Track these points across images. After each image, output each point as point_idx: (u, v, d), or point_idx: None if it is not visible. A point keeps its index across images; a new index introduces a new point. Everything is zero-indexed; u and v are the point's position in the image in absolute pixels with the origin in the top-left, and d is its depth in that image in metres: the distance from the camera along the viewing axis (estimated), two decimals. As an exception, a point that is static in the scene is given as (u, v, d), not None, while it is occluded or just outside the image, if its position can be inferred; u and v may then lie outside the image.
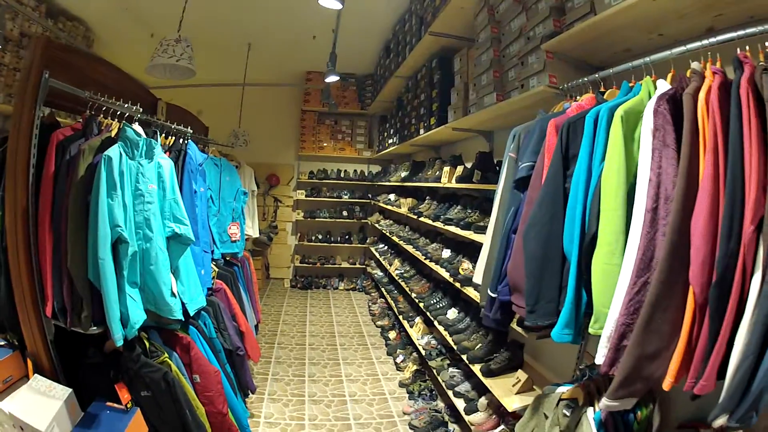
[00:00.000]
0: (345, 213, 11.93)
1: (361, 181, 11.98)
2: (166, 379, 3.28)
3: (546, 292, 2.45)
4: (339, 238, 11.96)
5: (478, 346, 4.82)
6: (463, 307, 5.72)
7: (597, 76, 2.88)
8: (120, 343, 2.96)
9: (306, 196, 11.75)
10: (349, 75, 11.45)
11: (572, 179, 2.41)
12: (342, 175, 11.93)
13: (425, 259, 6.43)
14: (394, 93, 9.28)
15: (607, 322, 2.09)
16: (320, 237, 11.86)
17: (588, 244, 2.25)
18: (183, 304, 3.56)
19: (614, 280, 2.10)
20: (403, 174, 8.88)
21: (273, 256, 12.00)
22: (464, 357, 4.86)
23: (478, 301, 3.58)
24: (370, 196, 11.85)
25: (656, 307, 1.90)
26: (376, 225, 10.56)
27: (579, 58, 3.44)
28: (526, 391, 4.05)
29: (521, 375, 4.13)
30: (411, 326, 7.21)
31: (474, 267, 4.59)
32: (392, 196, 9.56)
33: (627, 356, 1.97)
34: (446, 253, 6.06)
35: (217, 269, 4.95)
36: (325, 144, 11.87)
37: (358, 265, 12.07)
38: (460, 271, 5.11)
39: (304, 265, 11.83)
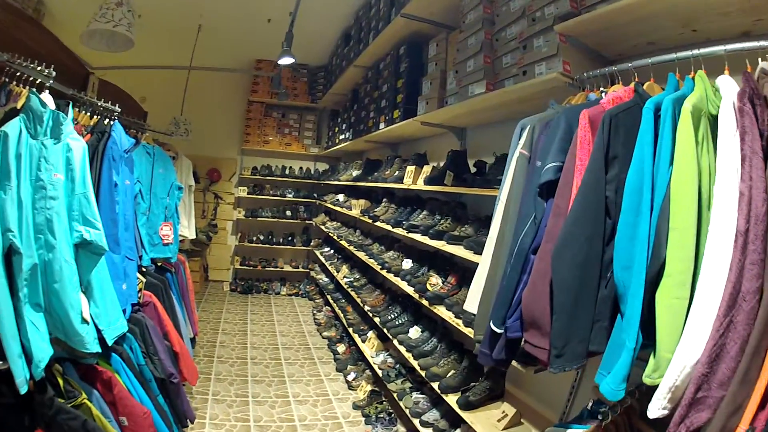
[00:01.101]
0: (288, 213, 11.40)
1: (307, 180, 11.49)
2: (86, 429, 2.76)
3: (578, 330, 2.09)
4: (281, 240, 11.36)
5: (450, 374, 4.33)
6: (427, 326, 5.19)
7: (630, 65, 2.51)
8: (24, 389, 2.31)
9: (248, 193, 11.15)
10: (301, 66, 10.95)
11: (625, 187, 2.04)
12: (287, 172, 11.43)
13: (381, 269, 5.84)
14: (349, 84, 8.74)
15: (670, 370, 1.76)
16: (262, 238, 11.24)
17: (657, 272, 1.86)
18: (99, 330, 2.96)
19: (681, 319, 1.78)
20: (355, 173, 8.32)
21: (212, 257, 11.30)
22: (435, 386, 4.33)
23: (472, 335, 2.99)
24: (315, 195, 11.33)
25: (755, 354, 1.59)
26: (322, 227, 10.01)
27: (593, 47, 3.13)
28: (514, 426, 3.69)
29: (508, 408, 3.75)
30: (363, 341, 6.62)
31: (444, 281, 4.55)
32: (341, 197, 9.00)
33: (719, 414, 1.63)
34: (407, 264, 5.52)
35: (144, 279, 4.36)
36: (270, 138, 11.32)
37: (301, 269, 11.49)
38: (429, 286, 4.62)
39: (245, 267, 11.16)
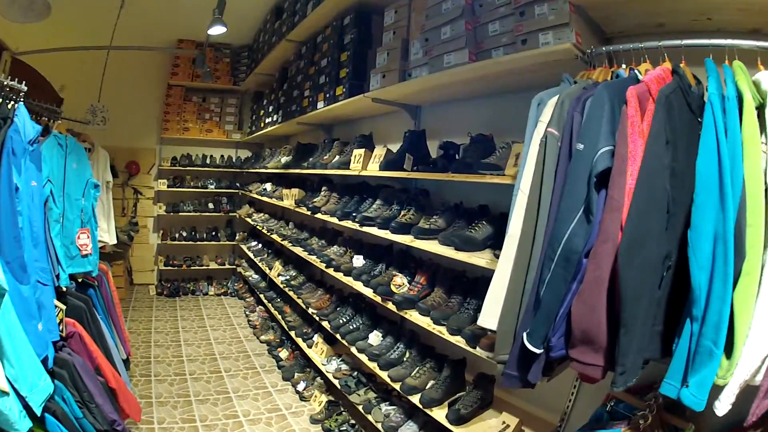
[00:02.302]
0: (211, 205, 10.68)
1: (229, 168, 10.87)
2: None
3: (642, 340, 1.96)
4: (205, 235, 10.62)
5: (430, 384, 3.86)
6: (388, 330, 4.65)
7: (660, 44, 2.37)
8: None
9: (168, 186, 10.32)
10: (224, 45, 10.32)
11: (699, 180, 1.88)
12: (208, 161, 10.72)
13: (327, 267, 5.21)
14: (277, 63, 8.07)
15: (742, 366, 1.76)
16: (185, 234, 10.48)
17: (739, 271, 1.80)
18: (22, 398, 2.42)
19: (749, 316, 1.77)
20: (285, 159, 7.60)
21: (135, 259, 10.52)
22: (414, 400, 3.83)
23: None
24: (238, 185, 10.80)
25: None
26: (248, 219, 9.43)
27: (596, 20, 2.96)
28: (518, 437, 3.35)
29: (509, 419, 3.42)
30: (309, 346, 6.01)
31: (412, 281, 4.12)
32: (268, 186, 8.40)
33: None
34: (358, 261, 4.94)
35: (64, 306, 3.61)
36: (190, 125, 10.56)
37: (227, 266, 10.81)
38: (393, 288, 4.12)
39: (169, 268, 10.37)
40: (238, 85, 10.45)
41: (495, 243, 3.29)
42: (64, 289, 3.83)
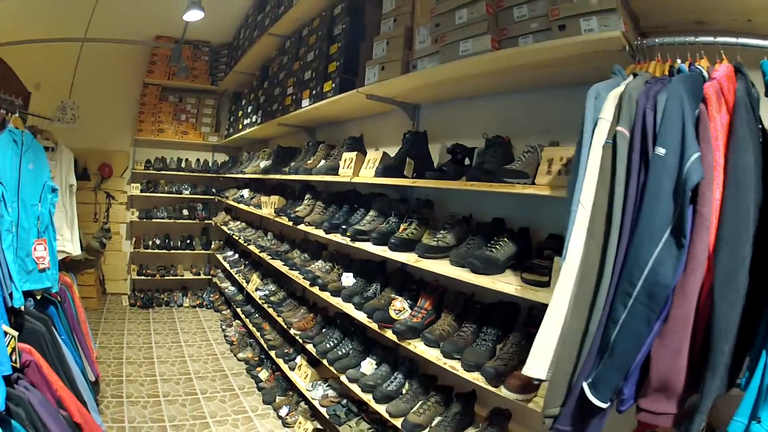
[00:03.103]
0: (186, 212, 10.23)
1: (205, 173, 10.46)
2: None
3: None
4: (180, 243, 10.22)
5: (437, 421, 3.39)
6: (383, 357, 4.14)
7: (715, 40, 2.11)
8: None
9: (141, 191, 9.91)
10: (203, 43, 9.90)
11: None
12: (183, 165, 10.30)
13: (312, 285, 4.72)
14: (258, 60, 7.62)
15: None
16: (158, 242, 10.06)
17: None
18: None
19: None
20: (264, 164, 7.05)
21: (108, 267, 10.00)
22: None
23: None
24: (214, 191, 10.37)
25: None
26: (224, 228, 8.99)
27: (636, 12, 2.65)
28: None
29: None
30: (292, 368, 5.47)
31: (414, 306, 3.60)
32: (246, 193, 8.02)
33: None
34: (348, 279, 4.44)
35: (16, 333, 3.27)
36: (165, 126, 10.13)
37: (203, 276, 10.38)
38: (393, 313, 3.61)
39: (142, 277, 9.90)
40: (216, 84, 10.03)
41: (517, 264, 2.92)
42: (20, 309, 3.51)
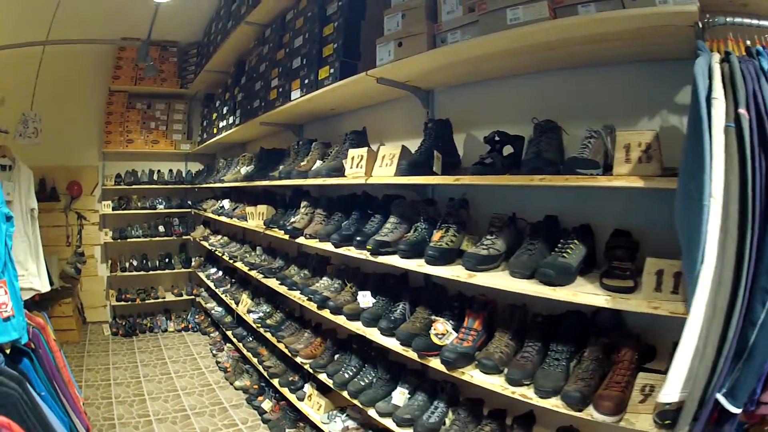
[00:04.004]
0: (162, 228, 9.58)
1: (179, 185, 9.88)
2: None
3: None
4: (158, 263, 9.52)
5: None
6: (416, 383, 3.55)
7: None
8: None
9: (113, 208, 9.22)
10: (171, 43, 9.27)
11: None
12: (155, 177, 9.62)
13: (321, 308, 4.08)
14: (233, 54, 7.01)
15: None
16: (135, 263, 9.34)
17: None
18: None
19: None
20: (245, 169, 6.36)
21: (86, 294, 9.31)
22: None
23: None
24: (190, 203, 9.75)
25: None
26: (204, 243, 8.37)
27: None
28: None
29: None
30: (300, 398, 4.80)
31: (461, 327, 3.00)
32: (226, 203, 7.39)
33: None
34: (366, 299, 3.78)
35: None
36: (134, 136, 9.47)
37: (185, 296, 9.70)
38: (435, 338, 3.00)
39: (122, 303, 9.20)
40: (186, 87, 9.41)
41: (586, 269, 2.58)
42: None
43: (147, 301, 9.32)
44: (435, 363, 2.93)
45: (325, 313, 3.99)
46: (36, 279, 4.57)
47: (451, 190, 3.47)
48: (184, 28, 8.70)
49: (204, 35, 8.53)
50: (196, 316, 9.24)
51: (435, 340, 2.96)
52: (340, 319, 3.81)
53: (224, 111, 7.24)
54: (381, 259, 3.28)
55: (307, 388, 4.77)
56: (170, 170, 9.86)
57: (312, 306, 4.18)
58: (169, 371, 7.20)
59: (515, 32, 2.57)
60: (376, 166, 3.48)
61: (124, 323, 8.97)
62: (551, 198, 2.96)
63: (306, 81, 4.38)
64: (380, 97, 4.23)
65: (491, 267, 2.76)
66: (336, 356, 4.34)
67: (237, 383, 6.42)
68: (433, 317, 3.17)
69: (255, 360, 5.98)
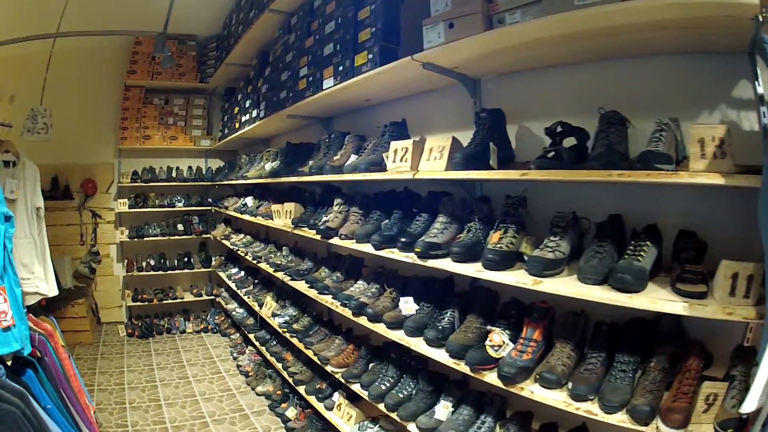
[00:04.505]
0: (180, 227, 9.38)
1: (199, 182, 9.61)
2: None
3: None
4: (176, 262, 9.33)
5: None
6: (460, 396, 3.26)
7: None
8: None
9: (129, 206, 9.00)
10: (188, 36, 9.04)
11: None
12: (174, 174, 9.48)
13: (358, 315, 3.77)
14: (255, 46, 6.69)
15: None
16: (153, 263, 9.15)
17: None
18: None
19: None
20: (270, 165, 6.03)
21: (101, 294, 9.14)
22: None
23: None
24: (210, 201, 9.50)
25: None
26: (225, 242, 8.13)
27: None
28: None
29: None
30: (329, 408, 4.53)
31: (519, 338, 2.73)
32: (249, 201, 7.07)
33: None
34: (409, 306, 3.48)
35: None
36: (151, 132, 9.22)
37: (205, 296, 9.50)
38: (491, 350, 2.73)
39: (139, 303, 9.02)
40: (205, 82, 9.15)
41: (655, 270, 2.35)
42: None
43: (164, 302, 9.14)
44: (490, 377, 2.66)
45: (362, 320, 3.70)
46: (42, 283, 4.40)
47: (502, 187, 3.17)
48: (203, 21, 8.48)
49: (224, 27, 8.28)
50: (216, 317, 9.05)
51: (491, 352, 2.69)
52: (379, 327, 3.52)
53: (247, 104, 6.97)
54: (431, 262, 2.97)
55: (337, 396, 4.51)
56: (189, 167, 9.65)
57: (346, 312, 3.89)
58: (186, 375, 6.97)
59: (584, 13, 2.32)
60: (422, 160, 3.17)
61: (140, 324, 8.81)
62: (609, 195, 2.77)
63: (340, 68, 4.08)
64: (420, 86, 3.95)
65: (557, 272, 2.50)
66: (371, 365, 4.07)
67: (259, 388, 6.18)
68: (489, 327, 2.87)
69: (279, 365, 5.71)
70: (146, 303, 8.97)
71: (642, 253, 2.31)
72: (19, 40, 6.56)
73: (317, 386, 4.82)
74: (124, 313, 9.29)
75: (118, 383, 6.57)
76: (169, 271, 9.15)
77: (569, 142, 2.65)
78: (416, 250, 3.00)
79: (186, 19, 7.56)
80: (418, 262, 3.03)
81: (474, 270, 2.73)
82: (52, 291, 4.49)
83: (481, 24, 2.77)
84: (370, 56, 3.70)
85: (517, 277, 2.52)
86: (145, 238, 9.00)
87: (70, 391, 4.00)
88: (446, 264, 2.89)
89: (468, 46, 2.86)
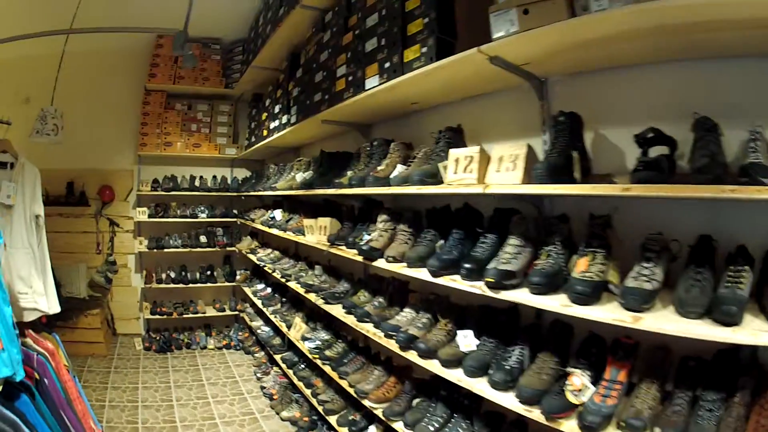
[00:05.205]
0: (203, 239, 9.03)
1: (224, 192, 9.23)
2: None
3: None
4: (198, 275, 8.94)
5: None
6: None
7: None
8: None
9: (149, 216, 8.67)
10: (213, 40, 8.78)
11: None
12: (197, 183, 9.12)
13: (406, 349, 3.31)
14: (285, 48, 6.33)
15: None
16: (173, 275, 8.80)
17: None
18: None
19: None
20: (302, 176, 5.54)
21: (117, 305, 8.83)
22: None
23: None
24: (236, 212, 9.19)
25: None
26: (251, 257, 7.73)
27: None
28: None
29: None
30: None
31: (600, 379, 2.34)
32: (278, 214, 6.67)
33: None
34: (468, 341, 3.02)
35: None
36: (173, 138, 8.90)
37: (228, 312, 9.08)
38: (572, 396, 2.33)
39: (157, 317, 8.67)
40: (230, 87, 8.83)
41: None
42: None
43: (185, 316, 8.78)
44: (568, 426, 2.30)
45: (411, 355, 3.24)
46: (42, 298, 4.10)
47: (573, 204, 2.82)
48: (228, 25, 8.25)
49: (250, 30, 7.98)
50: (240, 333, 8.71)
51: (570, 398, 2.31)
52: (432, 365, 3.06)
53: (276, 110, 6.58)
54: (504, 294, 2.52)
55: (373, 430, 4.13)
56: (214, 176, 9.34)
57: (390, 344, 3.44)
58: (206, 395, 6.61)
59: (695, 3, 1.97)
60: (491, 171, 2.71)
61: (158, 338, 8.51)
62: (696, 213, 2.42)
63: (386, 65, 3.64)
64: (477, 87, 3.51)
65: (653, 305, 2.14)
66: (415, 401, 3.65)
67: (284, 413, 5.77)
68: (569, 369, 2.46)
69: (308, 392, 5.27)
70: (165, 316, 8.66)
71: (742, 279, 2.04)
72: (32, 36, 6.38)
73: (350, 418, 4.42)
74: (142, 325, 8.97)
75: (131, 400, 6.26)
76: (191, 284, 8.78)
77: (655, 151, 2.31)
78: (488, 279, 2.54)
79: (210, 22, 7.35)
80: (489, 293, 2.57)
81: (559, 305, 2.29)
82: (53, 308, 4.19)
83: (564, 9, 2.35)
84: (424, 50, 3.25)
85: (613, 314, 2.10)
86: (166, 250, 8.69)
87: (73, 416, 3.80)
88: (522, 296, 2.45)
89: (548, 35, 2.42)
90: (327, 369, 4.65)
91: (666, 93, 2.62)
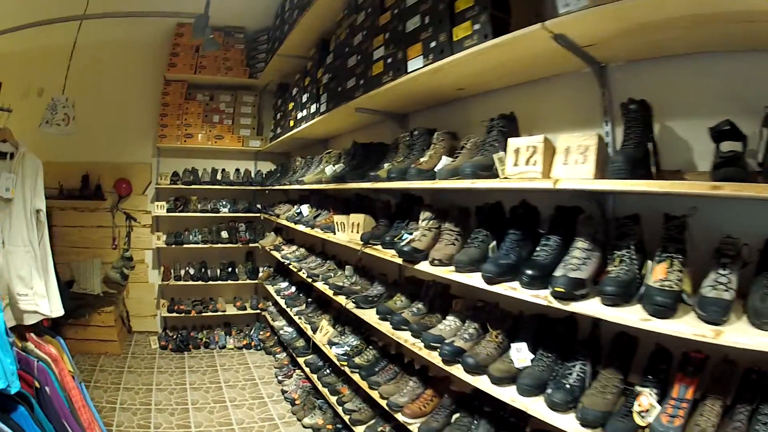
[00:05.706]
0: (225, 234, 8.71)
1: (247, 186, 8.94)
2: None
3: None
4: (219, 272, 8.68)
5: None
6: None
7: None
8: None
9: (168, 210, 8.45)
10: (237, 29, 8.54)
11: None
12: (219, 177, 8.81)
13: (450, 363, 3.01)
14: (313, 33, 5.98)
15: None
16: (192, 272, 8.56)
17: None
18: None
19: None
20: (332, 169, 5.24)
21: (132, 301, 8.64)
22: None
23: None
24: (259, 207, 8.91)
25: None
26: (276, 254, 7.48)
27: None
28: None
29: None
30: None
31: (668, 398, 2.10)
32: (305, 209, 6.37)
33: None
34: (522, 355, 2.72)
35: None
36: (194, 130, 8.63)
37: (250, 310, 8.77)
38: (639, 418, 2.13)
39: (175, 315, 8.38)
40: (255, 77, 8.57)
41: None
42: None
43: (204, 314, 8.54)
44: None
45: (456, 370, 2.91)
46: (43, 300, 3.89)
47: (635, 202, 2.57)
48: (252, 13, 8.04)
49: (275, 17, 7.61)
50: (261, 332, 8.47)
51: (637, 419, 2.13)
52: (479, 382, 2.75)
53: (303, 99, 6.27)
54: (574, 306, 2.20)
55: None
56: (237, 169, 9.09)
57: (432, 357, 3.12)
58: (223, 398, 6.36)
59: None
60: (557, 164, 2.39)
61: (175, 336, 8.29)
62: (757, 215, 2.22)
63: (432, 44, 3.30)
64: (532, 71, 3.20)
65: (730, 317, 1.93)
66: (454, 416, 3.38)
67: (306, 420, 5.50)
68: (637, 387, 2.23)
69: (333, 399, 4.98)
70: (183, 314, 8.42)
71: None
72: (45, 23, 6.40)
73: (379, 429, 4.15)
74: (159, 323, 8.81)
75: (143, 402, 6.06)
76: (210, 282, 8.57)
77: (725, 147, 2.05)
78: (557, 289, 2.21)
79: (234, 10, 7.25)
80: (555, 304, 2.25)
81: (638, 318, 2.00)
82: (56, 311, 3.95)
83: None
84: (476, 26, 2.92)
85: (694, 328, 1.88)
86: (185, 245, 8.46)
87: (77, 426, 3.65)
88: (595, 308, 2.15)
89: (626, 9, 2.08)
90: (356, 377, 4.38)
91: (732, 85, 2.38)
